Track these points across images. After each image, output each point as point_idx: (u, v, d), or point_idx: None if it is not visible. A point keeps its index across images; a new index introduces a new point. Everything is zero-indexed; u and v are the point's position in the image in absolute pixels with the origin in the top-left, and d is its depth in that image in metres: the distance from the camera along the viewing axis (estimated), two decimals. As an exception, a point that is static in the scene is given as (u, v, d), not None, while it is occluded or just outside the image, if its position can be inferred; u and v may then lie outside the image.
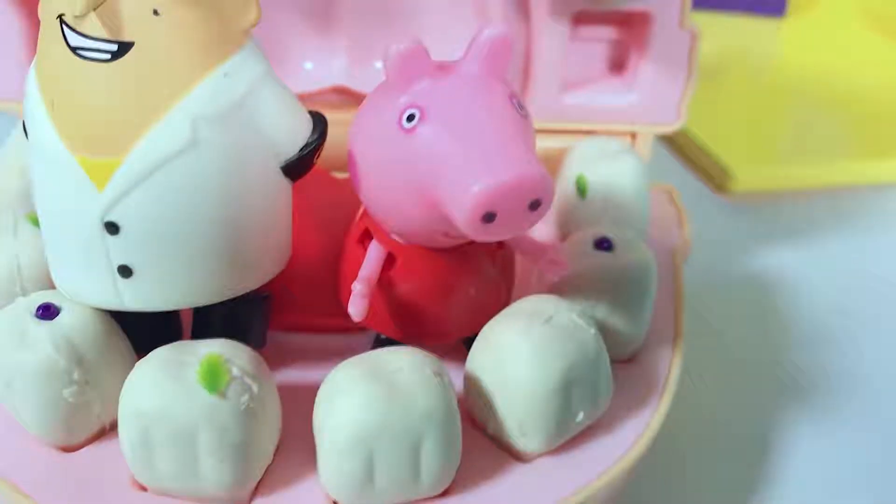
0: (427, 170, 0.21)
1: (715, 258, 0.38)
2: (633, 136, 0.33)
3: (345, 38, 0.32)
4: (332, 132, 0.33)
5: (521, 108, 0.22)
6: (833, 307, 0.36)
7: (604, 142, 0.30)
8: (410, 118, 0.21)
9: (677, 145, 0.45)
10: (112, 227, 0.22)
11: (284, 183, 0.24)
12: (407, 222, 0.22)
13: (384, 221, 0.23)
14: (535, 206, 0.20)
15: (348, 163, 0.23)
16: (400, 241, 0.23)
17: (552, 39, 0.31)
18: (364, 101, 0.23)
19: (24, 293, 0.25)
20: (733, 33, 0.56)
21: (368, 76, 0.32)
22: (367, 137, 0.22)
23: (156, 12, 0.21)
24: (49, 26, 0.22)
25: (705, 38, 0.56)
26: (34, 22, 0.30)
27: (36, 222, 0.26)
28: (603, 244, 0.26)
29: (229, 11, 0.22)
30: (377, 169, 0.22)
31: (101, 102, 0.21)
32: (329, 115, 0.32)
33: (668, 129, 0.32)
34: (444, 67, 0.22)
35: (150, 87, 0.21)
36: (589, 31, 0.32)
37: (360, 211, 0.25)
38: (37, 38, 0.30)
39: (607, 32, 0.32)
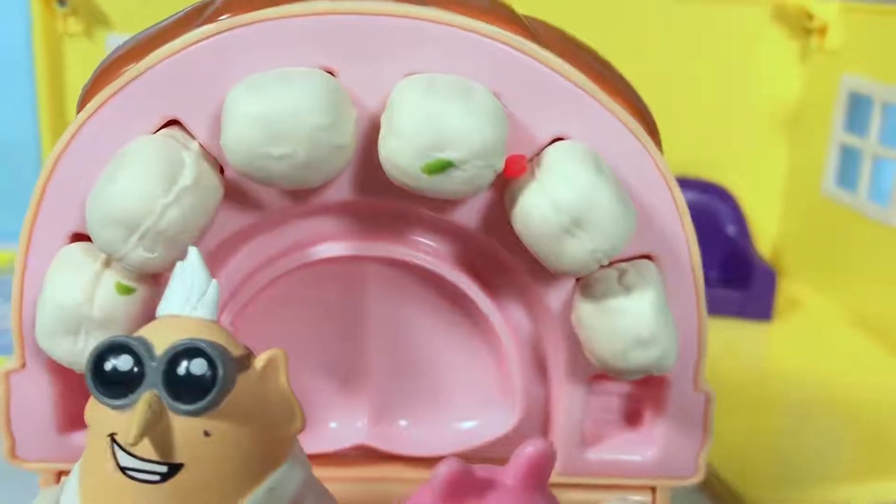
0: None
1: None
2: (654, 489, 0.33)
3: (368, 396, 0.33)
4: (353, 488, 0.33)
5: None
6: None
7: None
8: (457, 540, 0.21)
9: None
10: None
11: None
12: None
13: None
14: None
15: None
16: None
17: (572, 399, 0.32)
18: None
19: None
20: (723, 337, 0.58)
21: (391, 434, 0.33)
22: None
23: (207, 433, 0.22)
24: (98, 439, 0.22)
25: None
26: (61, 389, 0.31)
27: None
28: None
29: (276, 424, 0.23)
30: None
31: None
32: (350, 472, 0.33)
33: (686, 482, 0.33)
34: (487, 482, 0.22)
35: None
36: (605, 385, 0.33)
37: None
38: (63, 402, 0.31)
39: (623, 387, 0.33)
